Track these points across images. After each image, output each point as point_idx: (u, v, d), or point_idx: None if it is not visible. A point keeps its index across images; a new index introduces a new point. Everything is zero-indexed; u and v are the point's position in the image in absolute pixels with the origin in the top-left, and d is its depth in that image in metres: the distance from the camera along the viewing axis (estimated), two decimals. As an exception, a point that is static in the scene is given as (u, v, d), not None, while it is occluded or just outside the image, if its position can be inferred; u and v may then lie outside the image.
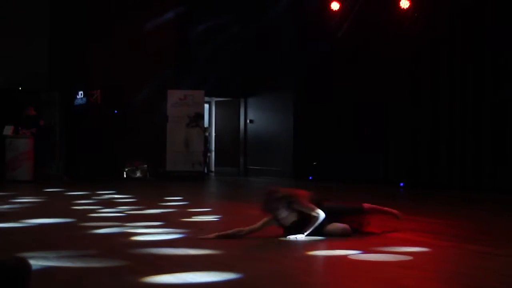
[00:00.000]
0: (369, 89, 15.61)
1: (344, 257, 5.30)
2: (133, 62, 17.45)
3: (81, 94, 18.36)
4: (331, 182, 15.32)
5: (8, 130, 15.03)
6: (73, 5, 18.54)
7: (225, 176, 19.50)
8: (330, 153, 16.67)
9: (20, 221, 7.37)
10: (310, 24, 17.28)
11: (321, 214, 6.21)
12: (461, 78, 13.67)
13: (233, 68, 18.93)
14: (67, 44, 18.46)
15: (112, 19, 17.97)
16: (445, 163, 13.90)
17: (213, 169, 21.25)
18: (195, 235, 6.30)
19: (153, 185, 15.24)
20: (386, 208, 6.94)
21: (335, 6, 15.72)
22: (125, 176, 17.04)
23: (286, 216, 6.15)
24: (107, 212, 8.61)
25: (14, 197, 10.72)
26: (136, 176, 17.08)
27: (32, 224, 7.19)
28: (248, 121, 19.91)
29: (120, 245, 5.77)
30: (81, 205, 9.45)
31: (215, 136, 21.46)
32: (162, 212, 8.75)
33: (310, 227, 6.16)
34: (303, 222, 6.19)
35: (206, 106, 20.58)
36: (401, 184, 14.50)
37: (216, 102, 21.32)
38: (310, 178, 16.91)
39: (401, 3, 14.18)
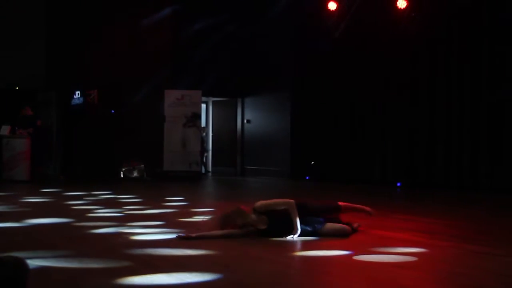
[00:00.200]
0: (366, 89, 15.62)
1: (341, 257, 5.30)
2: (130, 62, 17.43)
3: (78, 94, 18.33)
4: (328, 182, 15.36)
5: (5, 130, 15.02)
6: (70, 5, 18.51)
7: (222, 176, 19.49)
8: (327, 153, 16.68)
9: (17, 221, 7.35)
10: (307, 24, 17.28)
11: (289, 201, 6.20)
12: (458, 78, 13.68)
13: (230, 68, 18.92)
14: (64, 44, 18.43)
15: (109, 19, 17.94)
16: (442, 163, 13.90)
17: (210, 169, 21.24)
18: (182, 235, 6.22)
19: (150, 185, 15.22)
20: (359, 206, 6.98)
21: (332, 6, 15.71)
22: (122, 176, 17.02)
23: (256, 219, 6.13)
24: (104, 212, 8.60)
25: (11, 197, 10.70)
26: (133, 176, 17.06)
27: (29, 224, 7.17)
28: (245, 121, 19.90)
29: (117, 245, 5.75)
30: (78, 205, 9.43)
31: (212, 136, 21.45)
32: (160, 212, 8.73)
33: (294, 218, 6.13)
34: (280, 221, 6.16)
35: (203, 106, 20.57)
36: (398, 184, 14.51)
37: (213, 102, 21.31)
38: (307, 178, 16.92)
39: (398, 3, 14.19)
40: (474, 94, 13.35)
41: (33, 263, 4.51)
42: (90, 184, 14.14)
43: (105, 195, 11.38)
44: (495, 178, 12.84)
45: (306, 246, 5.83)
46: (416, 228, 7.18)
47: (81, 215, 8.06)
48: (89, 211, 8.62)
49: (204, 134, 20.36)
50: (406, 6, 14.15)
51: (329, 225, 6.30)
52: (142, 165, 17.17)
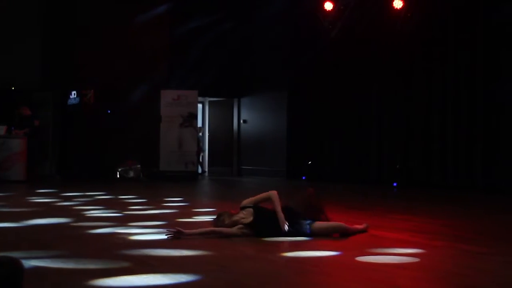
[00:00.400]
0: (362, 89, 15.64)
1: (338, 257, 5.30)
2: (126, 62, 17.41)
3: (74, 94, 18.27)
4: (324, 182, 15.35)
5: (0, 130, 14.97)
6: (65, 5, 18.46)
7: (219, 176, 19.47)
8: (324, 153, 16.68)
9: (13, 221, 7.32)
10: (303, 24, 17.29)
11: (272, 192, 6.29)
12: (454, 77, 13.70)
13: (226, 68, 18.91)
14: (60, 44, 18.37)
15: (105, 19, 17.90)
16: (438, 163, 13.92)
17: (206, 169, 21.23)
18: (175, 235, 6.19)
19: (146, 185, 15.20)
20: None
21: (328, 6, 15.71)
22: (118, 176, 16.99)
23: (242, 215, 6.20)
24: (100, 212, 8.57)
25: (7, 197, 10.67)
26: (130, 176, 17.03)
27: (25, 225, 7.15)
28: (241, 121, 19.90)
29: (113, 245, 5.73)
30: (74, 205, 9.40)
31: (208, 136, 21.43)
32: (159, 212, 8.71)
33: (277, 206, 6.17)
34: (265, 211, 6.20)
35: (200, 106, 20.56)
36: (394, 184, 14.51)
37: (210, 102, 21.29)
38: (303, 178, 16.92)
39: (394, 3, 14.20)
40: (470, 94, 13.38)
41: (28, 263, 4.49)
42: (86, 184, 14.10)
43: (101, 195, 11.35)
44: (492, 177, 12.85)
45: (303, 246, 5.82)
46: (413, 228, 7.17)
47: (77, 215, 8.04)
48: (85, 211, 8.59)
49: (201, 134, 20.35)
50: (402, 6, 14.16)
51: (320, 223, 6.28)
52: (139, 165, 17.15)
